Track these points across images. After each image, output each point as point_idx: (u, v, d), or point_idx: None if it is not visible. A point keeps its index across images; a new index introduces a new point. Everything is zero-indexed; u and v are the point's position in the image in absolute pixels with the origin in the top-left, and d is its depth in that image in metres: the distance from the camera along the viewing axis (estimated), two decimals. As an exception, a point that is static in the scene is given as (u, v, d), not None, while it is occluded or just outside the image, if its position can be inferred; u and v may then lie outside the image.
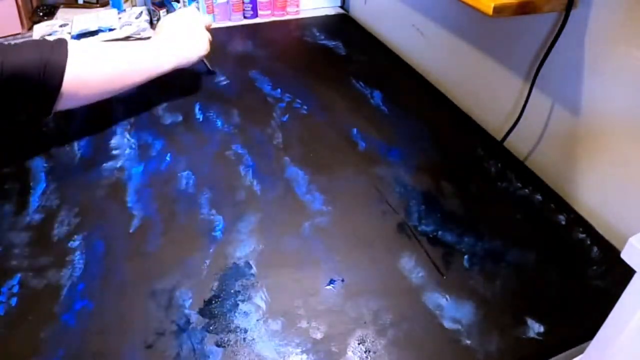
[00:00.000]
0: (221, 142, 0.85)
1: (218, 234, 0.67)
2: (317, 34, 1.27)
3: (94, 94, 0.81)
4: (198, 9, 1.27)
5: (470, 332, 0.56)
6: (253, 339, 0.54)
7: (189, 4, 1.29)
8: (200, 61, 0.98)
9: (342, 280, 0.61)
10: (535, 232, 0.69)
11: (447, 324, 0.56)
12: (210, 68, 1.05)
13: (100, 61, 0.80)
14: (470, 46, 0.96)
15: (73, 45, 0.75)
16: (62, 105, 0.76)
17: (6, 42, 0.72)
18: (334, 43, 1.22)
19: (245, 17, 1.38)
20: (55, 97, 0.73)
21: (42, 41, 0.74)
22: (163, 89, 1.00)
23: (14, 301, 0.57)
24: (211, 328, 0.55)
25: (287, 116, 0.92)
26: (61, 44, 0.74)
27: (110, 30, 1.23)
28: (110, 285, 0.60)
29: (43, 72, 0.70)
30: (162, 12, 1.26)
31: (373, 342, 0.54)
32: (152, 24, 1.30)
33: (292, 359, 0.53)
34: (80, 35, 1.20)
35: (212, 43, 0.97)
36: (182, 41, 0.91)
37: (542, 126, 0.82)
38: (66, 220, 0.68)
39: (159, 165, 0.79)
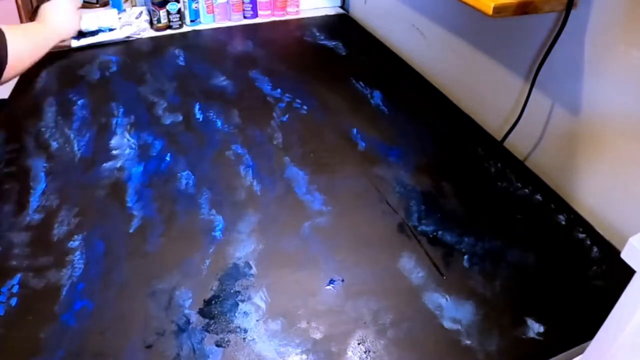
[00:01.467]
0: (221, 142, 0.85)
1: (218, 234, 0.67)
2: (317, 34, 1.27)
3: (23, 66, 1.00)
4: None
5: (470, 332, 0.56)
6: (253, 339, 0.54)
7: (189, 4, 1.29)
8: None
9: (342, 280, 0.61)
10: (535, 232, 0.69)
11: (447, 324, 0.56)
12: None
13: (24, 38, 0.99)
14: (470, 46, 0.96)
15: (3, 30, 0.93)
16: (4, 77, 0.94)
17: None
18: (334, 43, 1.22)
19: (245, 17, 1.37)
20: (3, 68, 0.91)
21: None
22: (163, 88, 1.01)
23: (14, 301, 0.57)
24: (211, 328, 0.55)
25: (287, 116, 0.92)
26: None
27: (110, 30, 1.23)
28: (110, 285, 0.60)
29: None
30: (162, 12, 1.26)
31: (373, 342, 0.54)
32: (152, 24, 1.30)
33: (292, 359, 0.53)
34: (80, 35, 1.20)
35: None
36: (60, 22, 1.12)
37: (542, 126, 0.82)
38: (66, 220, 0.68)
39: (159, 165, 0.79)
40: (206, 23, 1.34)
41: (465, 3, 0.70)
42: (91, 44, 1.19)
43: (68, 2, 1.15)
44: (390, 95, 0.99)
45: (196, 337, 0.54)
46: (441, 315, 0.57)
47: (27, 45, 1.01)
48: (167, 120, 0.91)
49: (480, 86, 0.95)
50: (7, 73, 0.94)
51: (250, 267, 0.62)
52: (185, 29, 1.31)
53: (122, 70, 1.08)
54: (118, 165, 0.79)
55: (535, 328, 0.56)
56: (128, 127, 0.89)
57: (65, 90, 1.00)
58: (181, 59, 1.13)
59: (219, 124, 0.90)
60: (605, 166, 0.72)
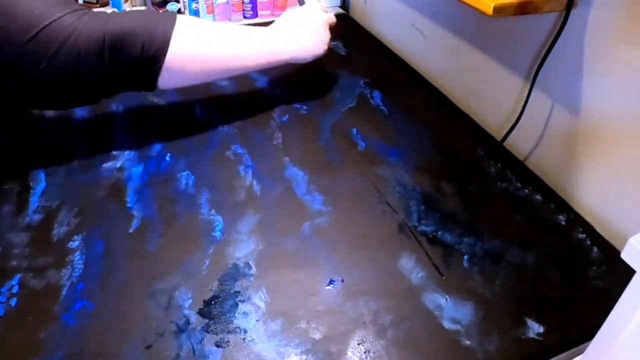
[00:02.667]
0: (221, 142, 0.85)
1: (218, 234, 0.67)
2: (317, 34, 1.27)
3: (203, 72, 0.75)
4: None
5: (470, 332, 0.56)
6: (253, 340, 0.54)
7: (189, 4, 1.29)
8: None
9: (342, 281, 0.61)
10: (535, 232, 0.69)
11: (447, 324, 0.56)
12: None
13: (211, 37, 0.74)
14: (470, 46, 0.96)
15: (183, 18, 0.71)
16: (167, 80, 0.71)
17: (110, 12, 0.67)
18: (334, 43, 1.22)
19: (245, 17, 1.38)
20: (158, 70, 0.69)
21: (149, 11, 0.69)
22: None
23: (13, 301, 0.57)
24: (211, 328, 0.55)
25: (287, 116, 0.92)
26: (169, 14, 0.71)
27: (110, 30, 1.23)
28: (110, 285, 0.60)
29: (147, 41, 0.66)
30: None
31: (373, 342, 0.54)
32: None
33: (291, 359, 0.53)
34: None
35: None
36: (302, 36, 0.86)
37: (542, 126, 0.82)
38: (66, 221, 0.68)
39: (158, 166, 0.79)
40: (206, 23, 1.34)
41: (465, 3, 0.70)
42: (91, 44, 1.19)
43: (317, 14, 0.90)
44: (390, 95, 0.99)
45: (196, 337, 0.54)
46: (441, 316, 0.57)
47: (212, 44, 0.74)
48: (167, 120, 0.91)
49: (480, 86, 0.95)
50: (169, 78, 0.72)
51: (250, 268, 0.62)
52: (185, 29, 1.31)
53: (122, 71, 1.08)
54: (118, 165, 0.79)
55: (535, 328, 0.56)
56: (128, 127, 0.89)
57: (65, 90, 1.00)
58: (181, 59, 1.13)
59: (219, 124, 0.90)
60: (606, 166, 0.72)
